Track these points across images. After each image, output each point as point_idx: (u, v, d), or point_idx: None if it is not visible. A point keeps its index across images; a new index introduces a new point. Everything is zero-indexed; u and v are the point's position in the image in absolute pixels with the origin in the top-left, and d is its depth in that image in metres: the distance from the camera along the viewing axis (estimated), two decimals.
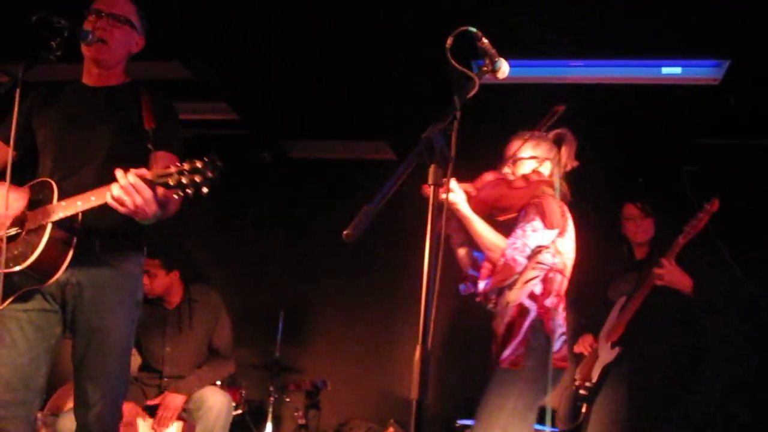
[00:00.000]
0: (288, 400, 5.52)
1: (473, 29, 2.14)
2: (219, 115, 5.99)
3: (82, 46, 2.91)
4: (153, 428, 4.47)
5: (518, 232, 3.10)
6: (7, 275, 2.62)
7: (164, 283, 4.70)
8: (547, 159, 3.32)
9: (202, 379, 4.65)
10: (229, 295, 5.08)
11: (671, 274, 4.13)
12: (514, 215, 3.27)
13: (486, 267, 3.25)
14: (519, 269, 3.07)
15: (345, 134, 6.37)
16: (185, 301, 4.82)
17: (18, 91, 2.52)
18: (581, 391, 4.43)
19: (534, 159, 3.32)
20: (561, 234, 3.15)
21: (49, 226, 2.69)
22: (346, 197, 6.42)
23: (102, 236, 2.80)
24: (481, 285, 3.22)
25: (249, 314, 5.79)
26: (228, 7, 4.42)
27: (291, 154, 6.63)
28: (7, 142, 2.84)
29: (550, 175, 3.30)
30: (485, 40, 2.19)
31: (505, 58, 2.26)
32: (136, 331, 4.63)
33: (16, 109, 2.54)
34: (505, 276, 3.08)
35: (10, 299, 2.70)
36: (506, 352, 3.11)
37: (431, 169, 1.75)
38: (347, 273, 6.26)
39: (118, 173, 2.46)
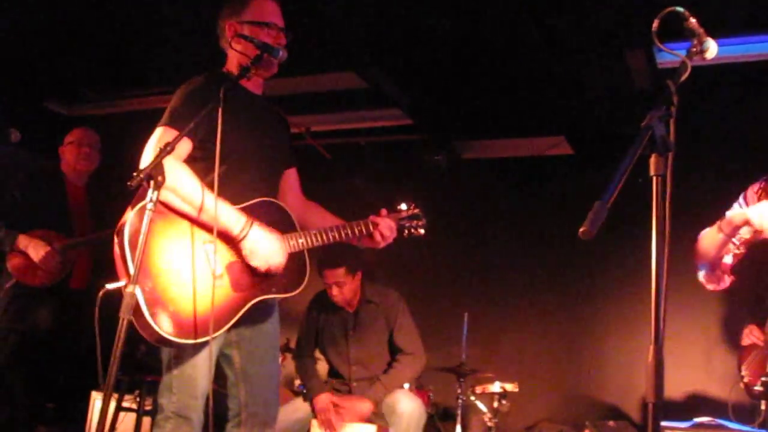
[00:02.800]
0: (476, 402, 5.47)
1: (680, 9, 2.00)
2: (393, 122, 6.07)
3: (263, 62, 2.84)
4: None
5: None
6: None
7: (353, 287, 4.69)
8: None
9: (387, 385, 4.63)
10: (412, 298, 5.07)
11: None
12: None
13: None
14: None
15: (518, 132, 6.29)
16: (363, 303, 4.80)
17: (221, 110, 2.59)
18: (756, 388, 4.06)
19: None
20: None
21: (306, 253, 2.88)
22: (525, 195, 6.38)
23: None
24: None
25: (433, 317, 5.80)
26: (398, 16, 4.47)
27: (465, 155, 6.60)
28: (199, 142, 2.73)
29: None
30: (693, 20, 2.05)
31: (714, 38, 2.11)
32: (321, 337, 4.81)
33: (219, 128, 2.59)
34: None
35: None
36: None
37: (652, 159, 1.64)
38: (532, 272, 6.18)
39: (386, 218, 3.02)
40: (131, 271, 2.34)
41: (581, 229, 1.46)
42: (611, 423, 5.05)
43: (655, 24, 1.99)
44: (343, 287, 4.64)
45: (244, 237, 2.66)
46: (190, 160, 2.69)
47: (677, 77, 1.88)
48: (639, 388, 5.63)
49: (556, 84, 5.14)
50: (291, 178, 3.18)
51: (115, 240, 2.55)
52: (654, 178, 1.64)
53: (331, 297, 4.69)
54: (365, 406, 4.53)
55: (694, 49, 2.07)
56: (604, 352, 5.87)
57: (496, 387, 5.28)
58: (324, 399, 4.57)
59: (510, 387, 5.27)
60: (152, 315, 2.46)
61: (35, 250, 4.21)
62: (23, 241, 4.23)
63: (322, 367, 5.04)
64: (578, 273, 6.01)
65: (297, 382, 5.69)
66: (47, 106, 6.56)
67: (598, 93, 5.21)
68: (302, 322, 4.97)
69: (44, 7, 4.75)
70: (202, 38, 3.07)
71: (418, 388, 5.21)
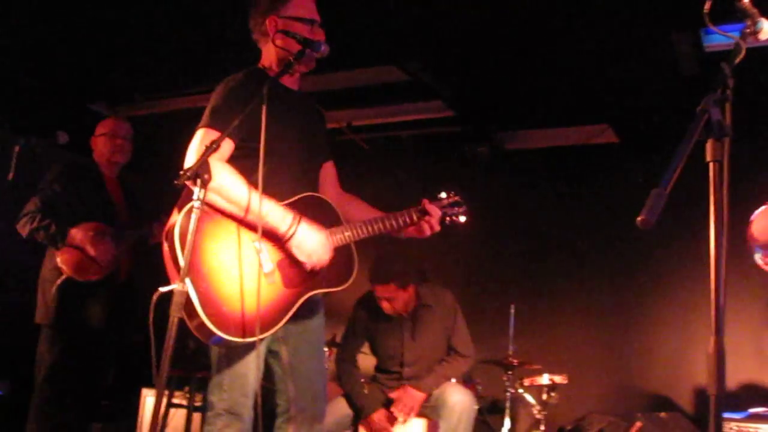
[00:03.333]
0: (524, 394, 5.42)
1: None
2: (435, 114, 6.04)
3: (305, 57, 2.82)
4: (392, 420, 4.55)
5: None
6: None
7: (404, 300, 4.65)
8: None
9: (439, 376, 4.65)
10: (458, 290, 5.06)
11: None
12: None
13: None
14: None
15: (562, 121, 6.22)
16: (419, 307, 4.77)
17: (264, 107, 2.58)
18: None
19: None
20: None
21: (353, 246, 2.87)
22: (570, 185, 6.31)
23: None
24: None
25: (480, 310, 5.77)
26: (437, 8, 4.44)
27: (508, 146, 6.55)
28: (242, 143, 2.70)
29: None
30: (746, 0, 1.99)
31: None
32: (372, 339, 4.78)
33: (263, 125, 2.58)
34: None
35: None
36: None
37: (709, 145, 1.60)
38: (578, 263, 6.13)
39: (434, 206, 2.95)
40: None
41: (639, 218, 1.42)
42: (663, 414, 4.98)
43: (707, 5, 1.93)
44: (394, 301, 4.63)
45: (292, 235, 2.66)
46: (232, 160, 2.68)
47: (732, 59, 1.82)
48: (691, 379, 5.54)
49: (600, 71, 5.06)
50: (329, 171, 3.17)
51: (164, 243, 2.56)
52: (711, 164, 1.59)
53: (382, 308, 4.67)
54: (419, 396, 4.54)
55: (748, 30, 2.01)
56: (655, 341, 5.79)
57: (544, 379, 5.23)
58: (381, 417, 4.58)
59: (559, 379, 5.22)
60: (208, 316, 2.45)
61: (92, 244, 4.10)
62: (77, 236, 4.11)
63: (368, 361, 5.03)
64: (626, 262, 5.94)
65: None
66: (91, 107, 6.65)
67: (643, 79, 5.13)
68: (349, 323, 4.95)
69: (87, 10, 4.82)
70: (241, 36, 3.05)
71: (466, 381, 5.19)
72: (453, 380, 4.83)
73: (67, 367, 4.13)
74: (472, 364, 4.90)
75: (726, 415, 4.29)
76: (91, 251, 4.10)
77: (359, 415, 4.67)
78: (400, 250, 4.60)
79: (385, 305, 4.63)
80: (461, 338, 4.81)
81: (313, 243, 2.70)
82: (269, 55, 2.96)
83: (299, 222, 2.68)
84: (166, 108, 6.45)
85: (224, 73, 2.90)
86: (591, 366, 5.91)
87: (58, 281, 4.12)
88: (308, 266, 2.71)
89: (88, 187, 4.37)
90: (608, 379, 5.91)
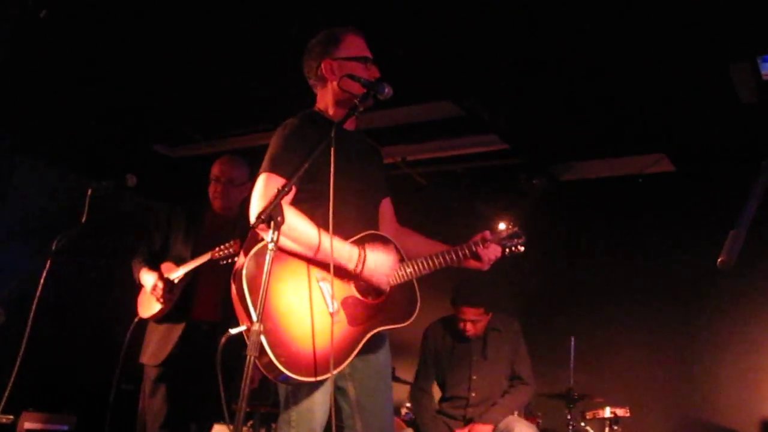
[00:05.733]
0: (586, 428, 5.36)
1: None
2: (490, 147, 6.07)
3: (368, 100, 2.81)
4: None
5: None
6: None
7: (484, 324, 4.83)
8: None
9: (504, 407, 4.70)
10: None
11: None
12: None
13: None
14: None
15: (617, 151, 6.19)
16: (489, 330, 4.88)
17: (333, 148, 2.63)
18: None
19: None
20: None
21: (415, 282, 2.91)
22: (627, 215, 6.27)
23: None
24: None
25: (540, 342, 5.73)
26: (492, 43, 4.49)
27: (562, 178, 6.55)
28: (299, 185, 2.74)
29: None
30: None
31: None
32: (441, 358, 4.88)
33: (332, 164, 2.62)
34: None
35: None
36: None
37: None
38: (638, 293, 6.07)
39: (490, 240, 3.00)
40: (252, 313, 2.41)
41: (720, 260, 1.44)
42: None
43: None
44: (477, 324, 4.78)
45: (362, 269, 2.71)
46: (294, 202, 2.72)
47: None
48: (758, 410, 5.43)
49: (655, 100, 5.05)
50: (386, 207, 3.20)
51: (233, 285, 2.61)
52: None
53: (462, 330, 4.80)
54: (487, 429, 4.58)
55: None
56: (719, 373, 5.68)
57: (606, 412, 5.19)
58: None
59: (621, 412, 5.17)
60: (277, 356, 2.49)
61: (147, 282, 4.18)
62: (143, 276, 4.23)
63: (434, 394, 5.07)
64: (687, 292, 5.86)
65: (403, 410, 5.71)
66: (155, 149, 6.83)
67: (699, 107, 5.10)
68: (421, 353, 5.07)
69: (148, 56, 4.98)
70: (297, 78, 3.10)
71: (528, 415, 5.17)
72: (516, 413, 4.84)
73: (153, 404, 4.17)
74: (533, 394, 4.94)
75: None
76: (147, 288, 4.19)
77: None
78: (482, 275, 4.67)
79: (469, 327, 4.77)
80: (525, 366, 4.90)
81: (384, 267, 2.76)
82: (325, 98, 2.98)
83: (365, 256, 2.72)
84: (225, 147, 6.58)
85: (280, 114, 2.93)
86: (654, 398, 5.82)
87: (135, 318, 4.26)
88: (385, 288, 2.77)
89: (186, 232, 4.37)
90: (672, 412, 5.82)
